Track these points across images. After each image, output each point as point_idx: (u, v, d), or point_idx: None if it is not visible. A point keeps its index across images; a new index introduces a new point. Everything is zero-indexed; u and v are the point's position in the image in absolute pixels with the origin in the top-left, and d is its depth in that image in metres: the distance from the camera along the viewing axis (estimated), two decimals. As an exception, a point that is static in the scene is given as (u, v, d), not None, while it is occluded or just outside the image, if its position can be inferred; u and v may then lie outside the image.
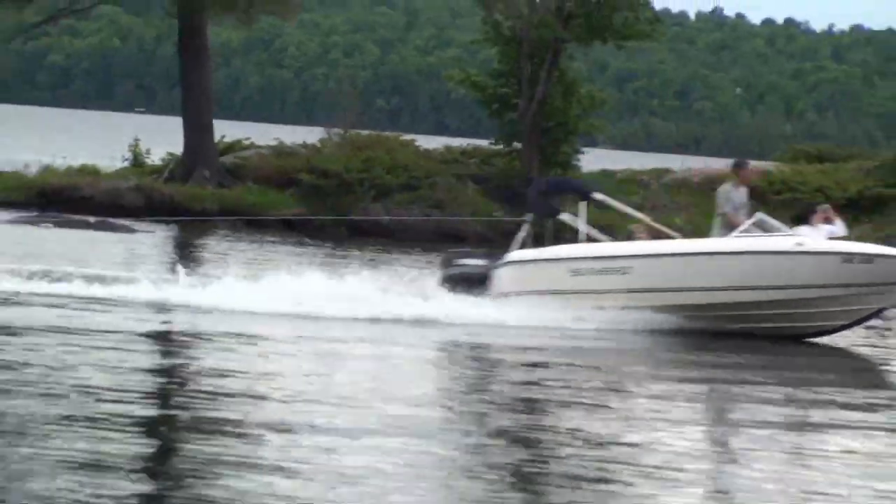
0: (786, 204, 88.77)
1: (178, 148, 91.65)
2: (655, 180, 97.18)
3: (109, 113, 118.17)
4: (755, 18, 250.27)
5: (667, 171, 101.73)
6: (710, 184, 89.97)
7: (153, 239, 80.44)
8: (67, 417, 30.92)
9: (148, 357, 44.50)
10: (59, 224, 79.58)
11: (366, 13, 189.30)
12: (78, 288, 55.99)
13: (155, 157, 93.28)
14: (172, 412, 35.60)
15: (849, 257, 55.69)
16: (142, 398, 36.21)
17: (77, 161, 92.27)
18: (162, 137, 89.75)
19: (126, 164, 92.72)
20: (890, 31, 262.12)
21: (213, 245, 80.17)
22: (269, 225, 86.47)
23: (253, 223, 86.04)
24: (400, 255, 79.99)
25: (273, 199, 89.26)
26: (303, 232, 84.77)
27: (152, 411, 36.08)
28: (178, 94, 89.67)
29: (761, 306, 56.54)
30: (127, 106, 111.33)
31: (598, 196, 60.63)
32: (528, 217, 59.28)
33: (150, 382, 39.38)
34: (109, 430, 31.93)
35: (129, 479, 25.11)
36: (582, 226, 57.60)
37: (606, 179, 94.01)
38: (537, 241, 58.09)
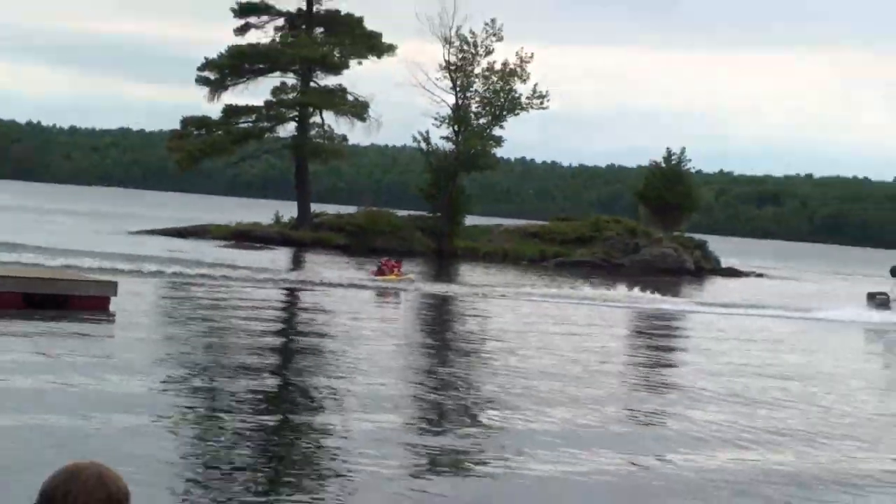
0: (551, 239, 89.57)
1: (295, 214, 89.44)
2: (496, 229, 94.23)
3: (266, 199, 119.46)
4: (539, 160, 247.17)
5: (500, 225, 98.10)
6: (519, 232, 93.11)
7: (290, 254, 76.65)
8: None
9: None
10: (243, 247, 76.18)
11: (377, 158, 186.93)
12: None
13: (285, 219, 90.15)
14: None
15: None
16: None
17: (251, 220, 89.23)
18: (288, 210, 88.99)
19: (272, 221, 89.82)
20: (581, 165, 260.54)
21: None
22: (331, 247, 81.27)
23: (324, 245, 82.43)
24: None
25: (334, 237, 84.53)
26: (348, 253, 78.95)
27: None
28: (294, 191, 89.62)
29: None
30: (274, 196, 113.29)
31: None
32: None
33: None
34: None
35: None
36: None
37: (475, 228, 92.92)
38: None
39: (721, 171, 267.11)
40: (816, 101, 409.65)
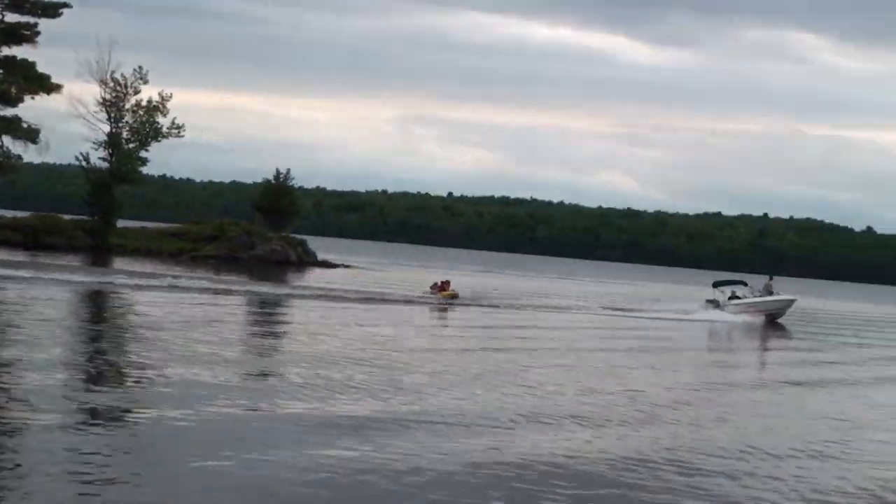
0: (187, 238, 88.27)
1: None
2: (143, 230, 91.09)
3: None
4: (177, 177, 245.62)
5: (146, 227, 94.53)
6: (161, 232, 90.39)
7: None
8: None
9: None
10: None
11: (47, 174, 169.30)
12: None
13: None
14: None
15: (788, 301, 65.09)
16: None
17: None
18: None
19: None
20: (210, 181, 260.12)
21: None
22: (9, 244, 75.85)
23: (1, 243, 76.10)
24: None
25: (11, 235, 79.38)
26: (23, 248, 74.76)
27: None
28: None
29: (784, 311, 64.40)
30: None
31: (746, 282, 66.69)
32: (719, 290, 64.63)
33: None
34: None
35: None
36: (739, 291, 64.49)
37: (125, 229, 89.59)
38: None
39: (318, 187, 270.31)
40: (389, 134, 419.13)
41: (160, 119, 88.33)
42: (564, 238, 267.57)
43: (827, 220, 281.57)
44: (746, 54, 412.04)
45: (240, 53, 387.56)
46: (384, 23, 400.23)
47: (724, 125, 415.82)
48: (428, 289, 59.37)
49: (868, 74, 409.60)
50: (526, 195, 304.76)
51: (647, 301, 70.91)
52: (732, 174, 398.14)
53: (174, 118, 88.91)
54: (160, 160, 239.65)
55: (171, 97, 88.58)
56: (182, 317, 35.04)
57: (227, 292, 49.75)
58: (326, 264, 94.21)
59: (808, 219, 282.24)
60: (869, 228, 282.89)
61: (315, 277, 74.15)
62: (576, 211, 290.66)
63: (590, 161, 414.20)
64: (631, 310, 62.20)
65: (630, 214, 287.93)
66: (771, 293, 64.17)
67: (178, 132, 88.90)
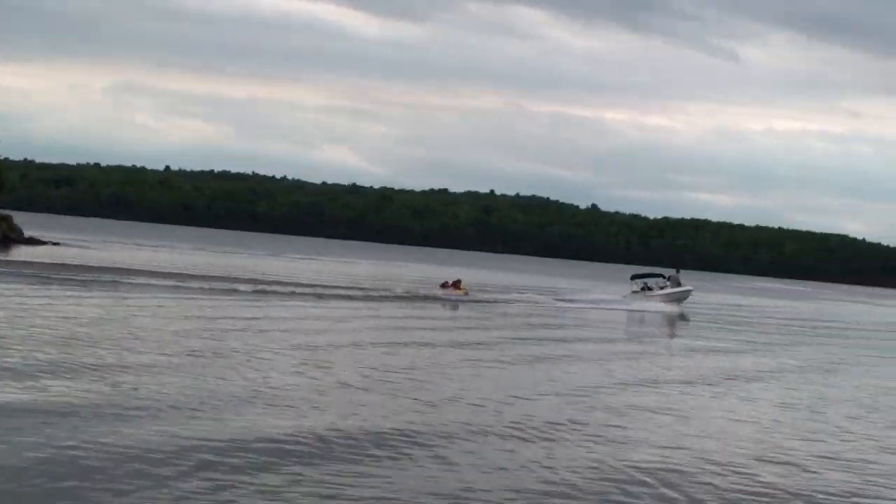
0: None
1: None
2: None
3: None
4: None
5: None
6: None
7: None
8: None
9: None
10: None
11: None
12: None
13: None
14: None
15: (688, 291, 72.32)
16: None
17: None
18: None
19: None
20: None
21: None
22: None
23: None
24: None
25: None
26: None
27: None
28: None
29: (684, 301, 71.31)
30: None
31: (666, 274, 73.31)
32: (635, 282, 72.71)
33: None
34: None
35: None
36: (653, 284, 72.05)
37: None
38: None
39: (25, 159, 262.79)
40: (102, 105, 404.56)
41: None
42: (287, 214, 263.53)
43: (553, 198, 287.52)
44: (472, 29, 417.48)
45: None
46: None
47: (451, 100, 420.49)
48: (439, 287, 64.19)
49: (593, 52, 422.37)
50: (247, 170, 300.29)
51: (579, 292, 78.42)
52: (459, 150, 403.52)
53: None
54: None
55: None
56: None
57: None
58: (33, 241, 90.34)
59: (533, 196, 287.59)
60: (594, 206, 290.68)
61: (27, 254, 70.07)
62: (299, 186, 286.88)
63: (314, 135, 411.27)
64: (571, 300, 68.94)
65: (355, 190, 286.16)
66: (679, 284, 71.81)
67: None
